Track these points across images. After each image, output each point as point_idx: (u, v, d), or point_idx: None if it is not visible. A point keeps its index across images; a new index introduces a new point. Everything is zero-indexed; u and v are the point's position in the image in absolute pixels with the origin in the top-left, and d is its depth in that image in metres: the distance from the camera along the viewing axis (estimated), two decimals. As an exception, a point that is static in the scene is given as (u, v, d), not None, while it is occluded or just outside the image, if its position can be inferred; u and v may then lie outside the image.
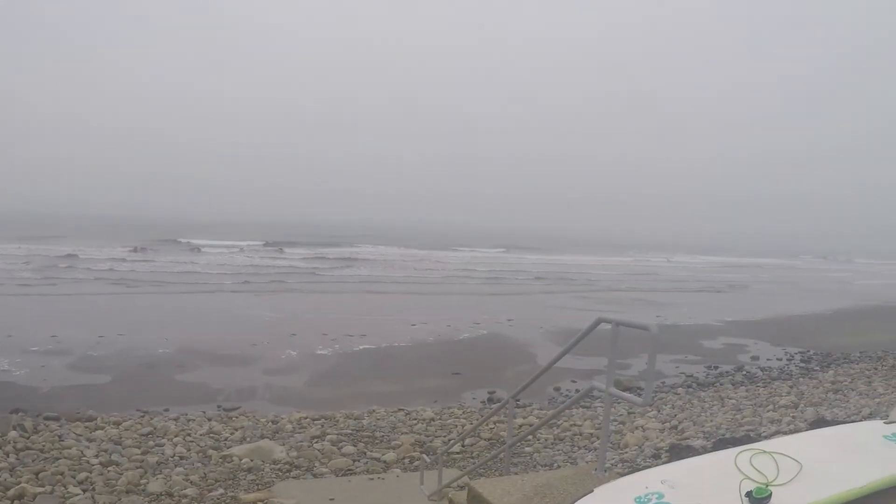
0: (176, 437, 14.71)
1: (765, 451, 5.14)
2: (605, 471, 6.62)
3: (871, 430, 6.82)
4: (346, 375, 21.75)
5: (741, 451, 5.13)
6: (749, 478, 4.71)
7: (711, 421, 16.23)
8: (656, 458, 12.49)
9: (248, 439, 14.76)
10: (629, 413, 17.22)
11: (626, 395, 5.81)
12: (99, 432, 14.69)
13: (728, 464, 4.91)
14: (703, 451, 10.24)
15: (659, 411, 17.68)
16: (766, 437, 10.23)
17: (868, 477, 5.15)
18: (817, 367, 25.09)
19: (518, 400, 18.45)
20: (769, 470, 4.85)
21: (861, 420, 11.46)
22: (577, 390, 19.29)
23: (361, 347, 25.85)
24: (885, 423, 7.00)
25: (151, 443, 14.28)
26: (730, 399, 19.00)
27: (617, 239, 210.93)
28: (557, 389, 20.40)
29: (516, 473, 11.56)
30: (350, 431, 15.64)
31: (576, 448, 14.85)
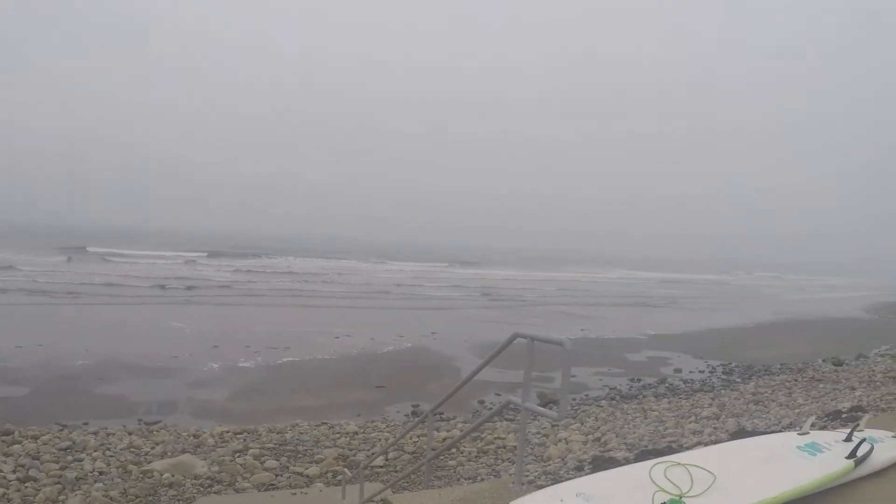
0: (95, 451, 14.46)
1: (679, 464, 5.21)
2: (524, 484, 6.59)
3: (785, 442, 6.97)
4: (269, 388, 21.60)
5: (656, 464, 5.19)
6: (663, 490, 4.76)
7: (634, 433, 16.38)
8: (579, 471, 12.53)
9: (169, 454, 14.57)
10: (553, 426, 17.29)
11: (542, 409, 5.85)
12: (16, 447, 14.39)
13: (643, 476, 4.96)
14: (626, 462, 10.32)
15: (582, 423, 17.80)
16: (688, 449, 10.33)
17: (780, 487, 5.26)
18: (739, 379, 25.50)
19: (441, 413, 18.47)
20: (683, 482, 4.91)
21: (780, 431, 11.64)
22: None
23: (285, 360, 25.66)
24: (798, 434, 7.16)
25: (70, 458, 14.03)
26: (653, 411, 19.21)
27: (562, 254, 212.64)
28: (482, 403, 20.46)
29: (439, 487, 11.54)
30: (273, 445, 15.53)
31: (499, 461, 14.91)
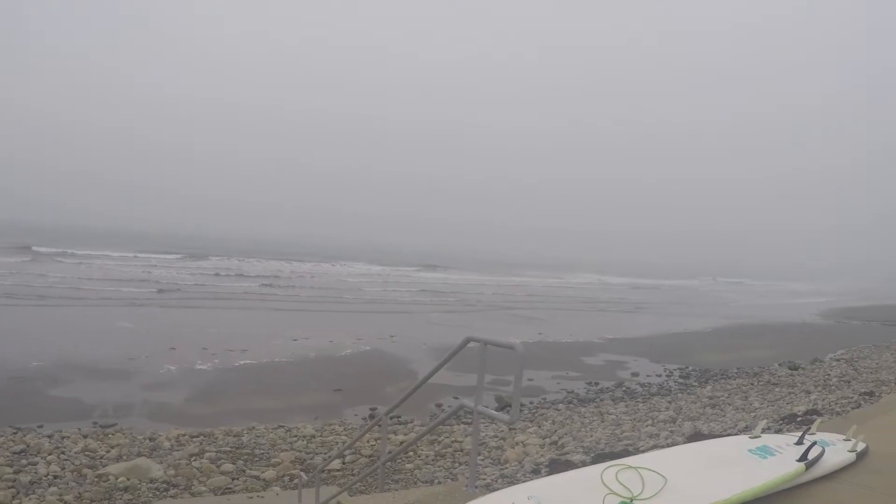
0: (50, 455, 14.30)
1: (631, 467, 5.24)
2: (478, 487, 6.59)
3: (736, 445, 7.03)
4: (225, 391, 21.48)
5: (608, 467, 5.21)
6: (614, 493, 4.78)
7: (591, 436, 16.47)
8: (536, 473, 12.58)
9: (124, 457, 14.42)
10: (510, 429, 17.32)
11: (494, 412, 5.85)
12: (-32, 450, 14.22)
13: (594, 479, 4.97)
14: (582, 465, 10.36)
15: (540, 427, 17.87)
16: (645, 451, 10.38)
17: (731, 490, 5.30)
18: (696, 383, 25.70)
19: (399, 417, 18.45)
20: (634, 485, 4.94)
21: (734, 434, 11.72)
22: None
23: (242, 363, 25.53)
24: (750, 437, 7.22)
25: (24, 461, 13.85)
26: (610, 414, 19.30)
27: (536, 258, 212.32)
28: (439, 406, 20.46)
29: (395, 490, 11.53)
30: (229, 449, 15.43)
31: (457, 464, 14.92)
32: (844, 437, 8.20)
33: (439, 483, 13.26)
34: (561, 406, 21.09)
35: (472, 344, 6.07)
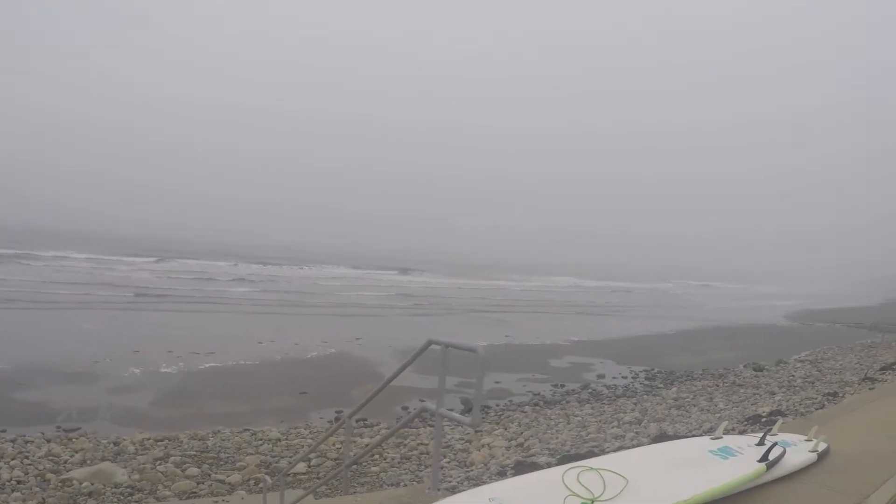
0: (13, 459, 14.12)
1: (592, 468, 5.25)
2: (441, 490, 6.59)
3: (698, 446, 7.06)
4: (191, 394, 21.34)
5: (569, 469, 5.22)
6: (575, 494, 4.79)
7: (557, 438, 16.53)
8: (502, 476, 12.60)
9: (88, 462, 14.30)
10: (476, 431, 17.34)
11: (456, 415, 5.85)
12: (-71, 455, 14.07)
13: (556, 481, 4.98)
14: (547, 467, 10.38)
15: (506, 429, 17.92)
16: (609, 453, 10.43)
17: (692, 490, 5.32)
18: (661, 385, 25.83)
19: (365, 420, 18.42)
20: (596, 486, 4.95)
21: (699, 435, 11.78)
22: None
23: (207, 365, 25.36)
24: (712, 438, 7.26)
25: (-13, 466, 13.71)
26: (575, 416, 19.38)
27: (522, 263, 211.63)
28: (405, 408, 20.43)
29: (359, 492, 11.52)
30: (194, 453, 15.34)
31: (422, 467, 14.90)
32: (806, 437, 8.25)
33: (405, 485, 13.25)
34: (527, 408, 21.17)
35: (433, 346, 6.06)
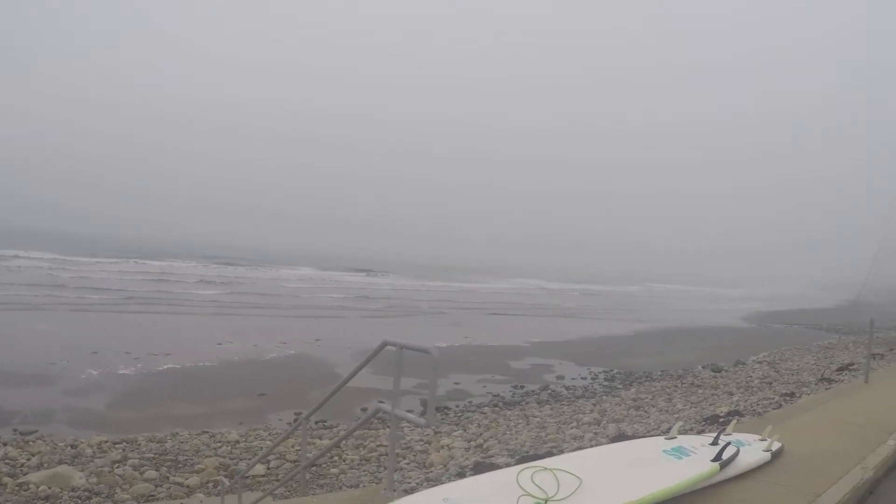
0: (-33, 463, 13.99)
1: (546, 468, 5.30)
2: (398, 491, 6.60)
3: (652, 446, 7.13)
4: (149, 396, 21.13)
5: (523, 469, 5.27)
6: (529, 494, 4.83)
7: (516, 439, 16.59)
8: (461, 477, 12.59)
9: (45, 465, 14.14)
10: (436, 432, 17.37)
11: (410, 416, 5.86)
12: None
13: (510, 481, 5.02)
14: (507, 468, 10.43)
15: (465, 430, 17.96)
16: (566, 453, 10.48)
17: (646, 490, 5.38)
18: (620, 386, 25.97)
19: (324, 421, 18.37)
20: (549, 486, 4.99)
21: (656, 435, 11.87)
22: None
23: (166, 367, 25.11)
24: (666, 438, 7.33)
25: (-59, 471, 13.54)
26: (535, 417, 19.45)
27: (496, 265, 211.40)
28: (364, 410, 20.40)
29: (317, 494, 11.51)
30: (152, 455, 15.23)
31: (382, 468, 14.91)
32: (760, 437, 8.35)
33: (364, 487, 13.24)
34: (486, 409, 21.21)
35: (388, 348, 6.08)
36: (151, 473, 14.10)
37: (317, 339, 34.00)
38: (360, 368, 6.90)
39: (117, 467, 14.33)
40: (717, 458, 6.66)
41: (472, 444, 16.40)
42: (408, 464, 14.89)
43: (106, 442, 16.01)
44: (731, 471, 6.83)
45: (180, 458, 15.27)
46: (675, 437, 7.39)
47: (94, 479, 13.44)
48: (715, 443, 7.25)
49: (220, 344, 30.78)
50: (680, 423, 8.66)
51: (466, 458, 14.76)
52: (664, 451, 6.73)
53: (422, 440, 16.75)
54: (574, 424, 18.11)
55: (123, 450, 15.53)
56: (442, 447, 16.04)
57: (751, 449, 7.68)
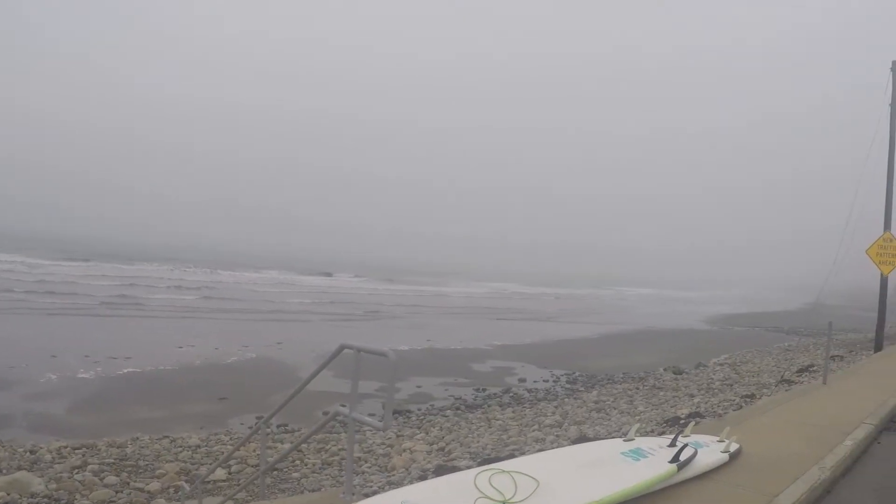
0: (-77, 470, 13.84)
1: (504, 471, 5.32)
2: (354, 494, 6.61)
3: (610, 448, 7.18)
4: (109, 400, 21.00)
5: (481, 472, 5.29)
6: (487, 496, 4.85)
7: (478, 442, 16.63)
8: (423, 480, 12.60)
9: (3, 471, 13.98)
10: (398, 436, 17.39)
11: (367, 419, 5.87)
12: None
13: (468, 483, 5.04)
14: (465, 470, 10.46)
15: (427, 433, 17.99)
16: (525, 455, 10.53)
17: (603, 491, 5.42)
18: (582, 388, 26.09)
19: (286, 425, 18.33)
20: (507, 488, 5.02)
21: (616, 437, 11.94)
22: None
23: (126, 371, 24.96)
24: (624, 440, 7.38)
25: None
26: (497, 420, 19.50)
27: (461, 267, 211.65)
28: (327, 413, 20.35)
29: (277, 498, 11.49)
30: (113, 461, 15.09)
31: (343, 472, 14.84)
32: (718, 438, 8.42)
33: (325, 490, 13.23)
34: (448, 412, 21.26)
35: (347, 351, 6.09)
36: (112, 479, 13.97)
37: (278, 343, 33.97)
38: (317, 372, 6.91)
39: (77, 473, 14.20)
40: (675, 459, 6.71)
41: (435, 447, 16.42)
42: (369, 467, 14.87)
43: (66, 447, 15.88)
44: (689, 472, 6.88)
45: (141, 463, 15.14)
46: (633, 439, 7.45)
47: (53, 486, 13.31)
48: (673, 444, 7.30)
49: (180, 347, 30.59)
50: (638, 425, 8.73)
51: (428, 462, 14.78)
52: (622, 453, 6.78)
53: (384, 444, 16.74)
54: (536, 427, 18.18)
55: (83, 455, 15.39)
56: (404, 450, 16.05)
57: (709, 450, 7.74)
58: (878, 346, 28.72)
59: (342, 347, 6.19)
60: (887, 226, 28.08)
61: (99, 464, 14.77)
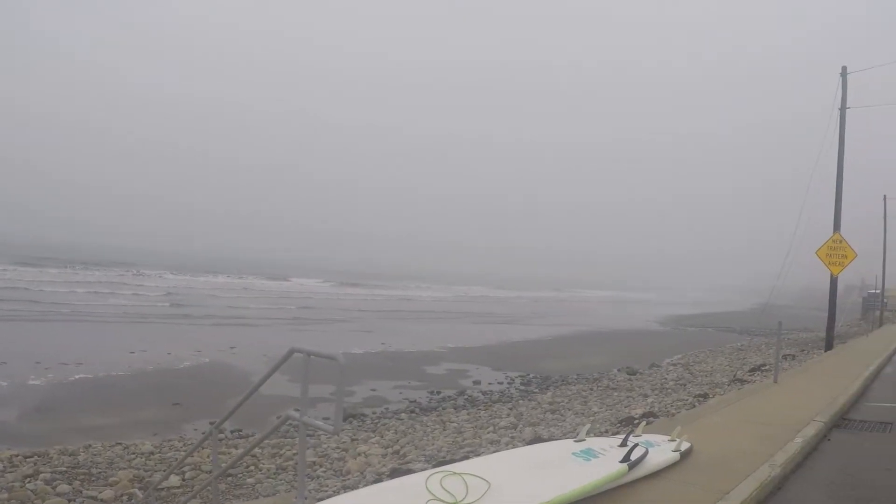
0: None
1: (455, 473, 5.35)
2: (307, 498, 6.61)
3: (561, 449, 7.23)
4: (61, 407, 20.73)
5: (433, 474, 5.31)
6: (438, 498, 4.88)
7: (433, 444, 16.67)
8: (377, 483, 12.60)
9: (-47, 482, 13.85)
10: (352, 440, 17.37)
11: (317, 422, 5.89)
12: None
13: (419, 486, 5.06)
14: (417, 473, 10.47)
15: (382, 437, 17.98)
16: (477, 457, 10.57)
17: (553, 492, 5.46)
18: (537, 390, 26.21)
19: (240, 430, 18.22)
20: (458, 490, 5.04)
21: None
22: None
23: (78, 377, 24.64)
24: (575, 441, 7.43)
25: None
26: (451, 423, 19.54)
27: (436, 274, 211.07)
28: (279, 418, 20.26)
29: (229, 503, 11.45)
30: (65, 469, 14.92)
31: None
32: (669, 437, 8.51)
33: (279, 495, 13.19)
34: (403, 415, 21.25)
35: (297, 355, 6.10)
36: (64, 487, 13.82)
37: (232, 347, 33.82)
38: (267, 376, 6.91)
39: (29, 482, 14.03)
40: (626, 459, 6.78)
41: (390, 450, 16.43)
42: (325, 472, 14.84)
43: (17, 456, 15.66)
44: (640, 471, 6.95)
45: (94, 470, 14.99)
46: (585, 440, 7.51)
47: (4, 495, 13.16)
48: (624, 444, 7.37)
49: (132, 353, 30.27)
50: (588, 426, 8.80)
51: (383, 465, 14.78)
52: (573, 453, 6.83)
53: (339, 448, 16.70)
54: (491, 429, 18.25)
55: (35, 463, 15.20)
56: (359, 454, 16.04)
57: (660, 449, 7.82)
58: (829, 345, 29.17)
59: (292, 351, 6.20)
60: (836, 227, 28.52)
61: (51, 472, 14.59)
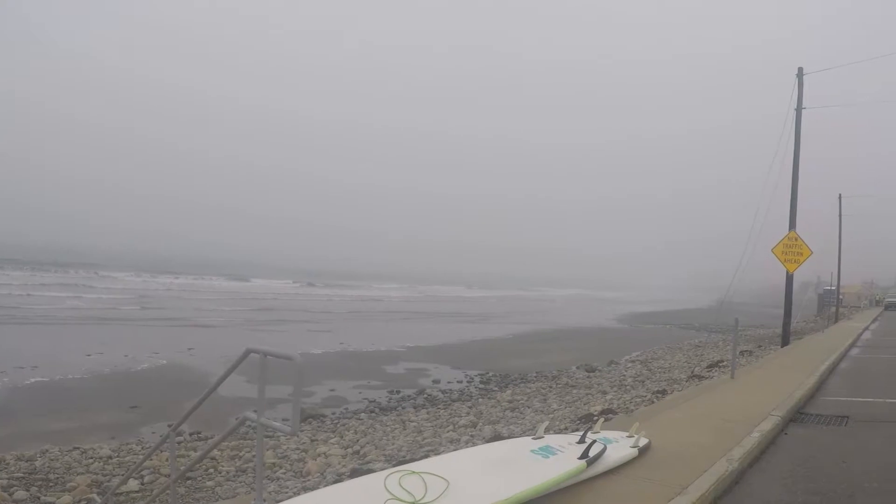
0: None
1: (415, 472, 5.35)
2: (267, 501, 6.58)
3: (520, 446, 7.25)
4: (16, 412, 20.46)
5: (392, 473, 5.31)
6: (397, 498, 4.87)
7: (393, 444, 16.65)
8: (336, 484, 12.56)
9: None
10: (312, 440, 17.32)
11: (274, 423, 5.86)
12: None
13: (377, 486, 5.06)
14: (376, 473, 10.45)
15: (342, 437, 17.93)
16: (436, 456, 10.56)
17: (513, 489, 5.47)
18: (496, 388, 26.24)
19: (199, 432, 18.10)
20: (417, 489, 5.04)
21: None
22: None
23: (33, 381, 24.37)
24: (533, 438, 7.45)
25: None
26: (411, 422, 19.54)
27: (411, 273, 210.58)
28: (237, 419, 20.14)
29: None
30: (22, 475, 14.75)
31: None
32: (627, 434, 8.56)
33: (238, 498, 13.12)
34: (363, 415, 21.23)
35: (253, 355, 6.07)
36: (21, 494, 13.67)
37: (190, 349, 33.56)
38: (224, 378, 6.87)
39: (-16, 489, 13.91)
40: (584, 455, 6.81)
41: (350, 450, 16.39)
42: (284, 473, 14.77)
43: (-28, 462, 15.52)
44: (599, 468, 6.99)
45: (51, 476, 14.83)
46: (543, 437, 7.54)
47: (-40, 503, 13.04)
48: (582, 441, 7.40)
49: (89, 355, 30.02)
50: (546, 423, 8.83)
51: (344, 466, 14.73)
52: (532, 450, 6.85)
53: (298, 449, 16.64)
54: (451, 428, 18.28)
55: (-10, 470, 15.07)
56: (318, 455, 15.98)
57: (618, 446, 7.87)
58: (786, 341, 29.47)
59: (248, 352, 6.16)
60: (792, 225, 28.81)
61: (8, 478, 14.43)
